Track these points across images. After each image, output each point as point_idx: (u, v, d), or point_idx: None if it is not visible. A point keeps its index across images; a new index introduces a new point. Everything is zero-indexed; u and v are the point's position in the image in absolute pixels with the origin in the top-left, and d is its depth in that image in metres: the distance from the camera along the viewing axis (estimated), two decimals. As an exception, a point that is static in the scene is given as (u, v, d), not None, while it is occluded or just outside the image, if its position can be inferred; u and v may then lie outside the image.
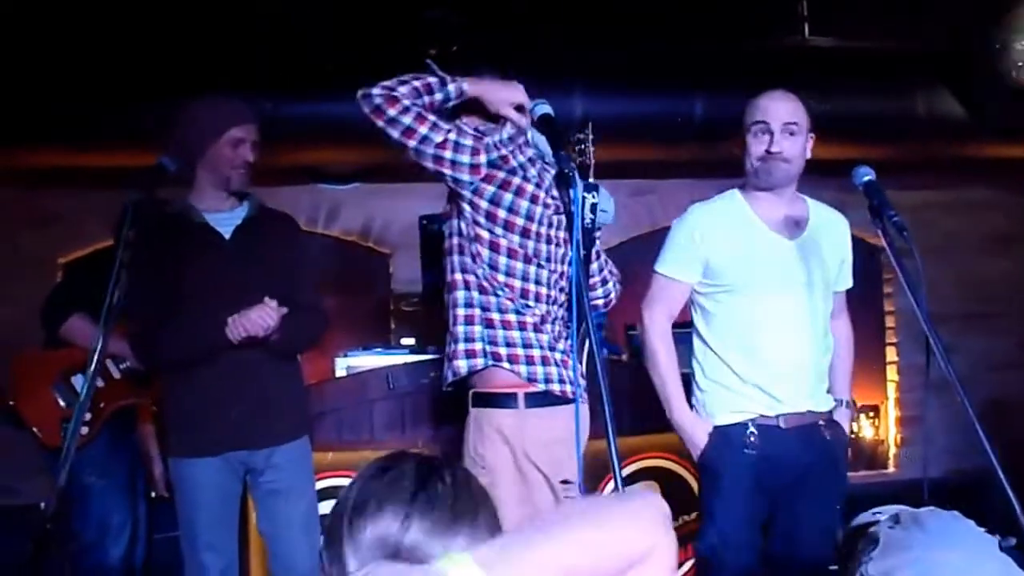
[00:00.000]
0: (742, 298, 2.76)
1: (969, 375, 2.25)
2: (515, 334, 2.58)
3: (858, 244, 5.46)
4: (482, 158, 2.51)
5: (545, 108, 2.21)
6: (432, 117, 2.50)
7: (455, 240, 2.64)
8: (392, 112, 2.46)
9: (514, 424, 2.53)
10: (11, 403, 3.58)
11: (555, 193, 2.56)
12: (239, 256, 2.88)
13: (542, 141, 2.58)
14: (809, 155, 2.78)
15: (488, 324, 2.58)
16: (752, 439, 2.71)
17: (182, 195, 2.96)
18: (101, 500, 3.65)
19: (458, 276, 2.62)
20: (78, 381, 3.59)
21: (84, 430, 3.58)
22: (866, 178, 2.45)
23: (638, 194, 5.56)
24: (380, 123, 2.49)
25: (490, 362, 2.56)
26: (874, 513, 1.53)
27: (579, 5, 4.76)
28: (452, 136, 2.50)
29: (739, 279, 2.76)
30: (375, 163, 4.91)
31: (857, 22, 5.00)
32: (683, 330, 2.88)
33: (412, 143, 2.49)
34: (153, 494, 4.08)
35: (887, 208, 2.35)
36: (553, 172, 2.48)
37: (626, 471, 3.78)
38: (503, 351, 2.57)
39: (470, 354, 2.58)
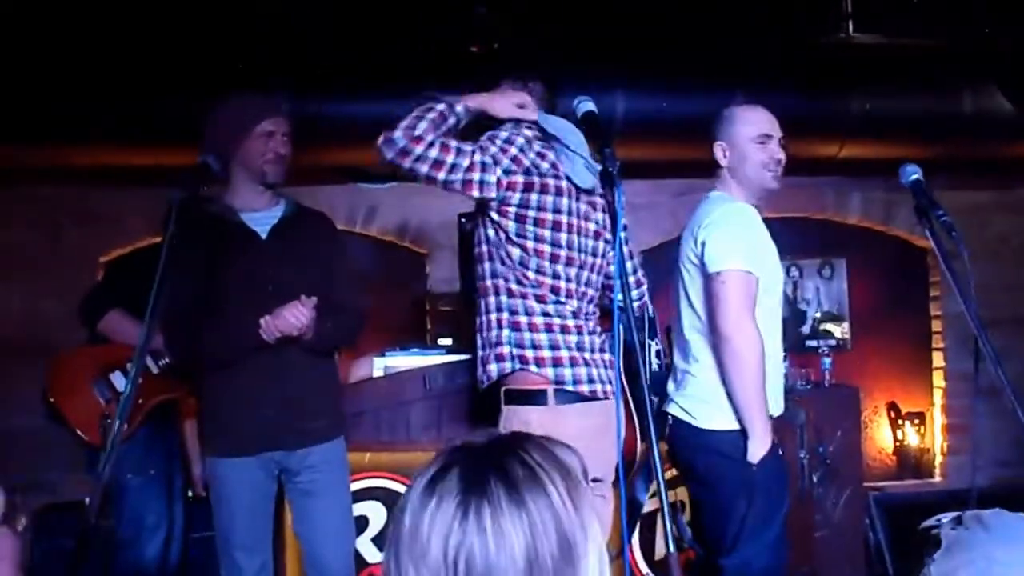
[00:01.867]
0: (767, 300, 2.76)
1: (1020, 381, 2.18)
2: (542, 336, 2.58)
3: (904, 246, 5.43)
4: (499, 171, 2.55)
5: (589, 105, 2.19)
6: (454, 143, 2.55)
7: (484, 248, 2.67)
8: (419, 150, 2.50)
9: (544, 420, 2.51)
10: (51, 400, 3.61)
11: (577, 181, 2.58)
12: (275, 255, 2.89)
13: (565, 129, 2.58)
14: None
15: (515, 327, 2.59)
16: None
17: (220, 194, 2.98)
18: (137, 498, 3.66)
19: (488, 282, 2.65)
20: (117, 378, 3.61)
21: (123, 427, 3.61)
22: (913, 176, 2.40)
23: (681, 194, 5.50)
24: (407, 164, 2.53)
25: (517, 365, 2.58)
26: (937, 519, 1.49)
27: (621, 3, 4.72)
28: (477, 157, 2.55)
29: (769, 281, 2.77)
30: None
31: (902, 19, 4.91)
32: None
33: (441, 175, 2.53)
34: (191, 493, 4.11)
35: (935, 207, 2.30)
36: (571, 157, 2.54)
37: (669, 473, 3.73)
38: (530, 354, 2.57)
39: (499, 358, 2.61)
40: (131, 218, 5.06)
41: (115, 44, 4.44)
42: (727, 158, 2.86)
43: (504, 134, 2.62)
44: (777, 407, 2.78)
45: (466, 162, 2.52)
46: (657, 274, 3.23)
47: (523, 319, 2.59)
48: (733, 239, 2.70)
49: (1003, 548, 1.33)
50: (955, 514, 1.47)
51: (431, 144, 2.50)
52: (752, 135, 2.81)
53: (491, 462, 1.05)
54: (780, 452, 2.72)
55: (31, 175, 4.99)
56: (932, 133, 4.79)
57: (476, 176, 2.53)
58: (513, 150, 2.58)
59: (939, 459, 5.88)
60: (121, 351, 3.55)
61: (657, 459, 1.74)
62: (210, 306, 2.79)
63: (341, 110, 4.48)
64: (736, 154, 2.83)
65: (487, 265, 2.66)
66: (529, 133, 2.65)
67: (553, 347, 2.57)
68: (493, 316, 2.63)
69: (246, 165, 2.91)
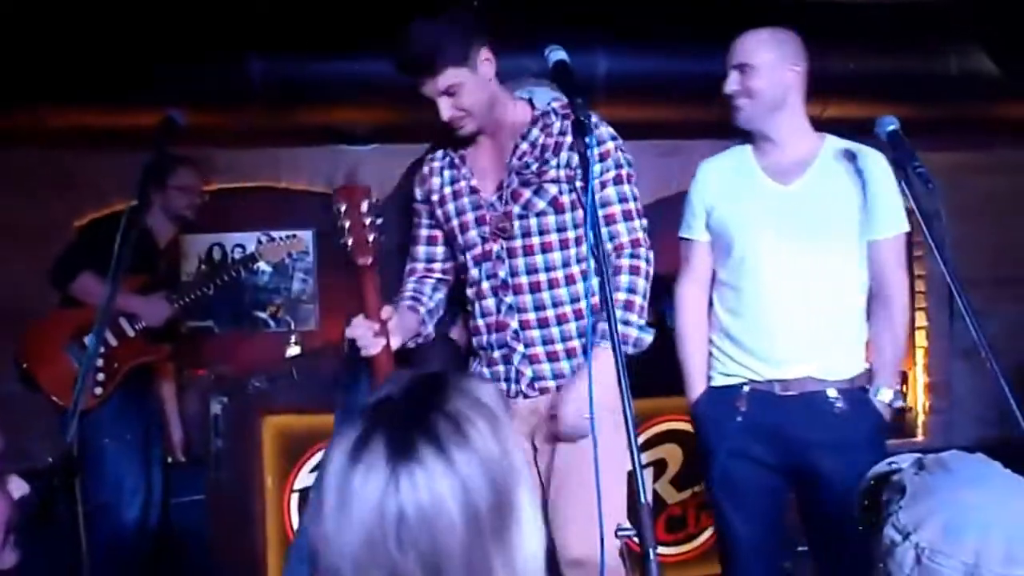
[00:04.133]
0: (736, 250, 2.62)
1: (1001, 341, 2.17)
2: None
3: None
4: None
5: (560, 54, 2.14)
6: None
7: (570, 233, 2.46)
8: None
9: None
10: (24, 366, 3.58)
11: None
12: None
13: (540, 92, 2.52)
14: (792, 84, 2.61)
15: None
16: (742, 405, 2.58)
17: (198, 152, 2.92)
18: (114, 462, 3.65)
19: (575, 268, 2.46)
20: (90, 340, 3.58)
21: (98, 390, 3.59)
22: (891, 128, 2.33)
23: (665, 155, 5.45)
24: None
25: None
26: (889, 463, 1.46)
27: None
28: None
29: (731, 230, 2.63)
30: (395, 123, 4.85)
31: (887, -23, 4.86)
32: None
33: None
34: (169, 459, 4.10)
35: (912, 159, 2.23)
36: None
37: (646, 434, 3.74)
38: None
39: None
40: (106, 181, 4.98)
41: (89, 5, 4.35)
42: None
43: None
44: (800, 368, 2.57)
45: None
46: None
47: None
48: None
49: (972, 491, 1.30)
50: (913, 457, 1.43)
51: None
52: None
53: (414, 421, 1.03)
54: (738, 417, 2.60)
55: (3, 138, 4.90)
56: (916, 94, 4.76)
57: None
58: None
59: (921, 418, 5.90)
60: (94, 314, 3.52)
61: (629, 413, 1.72)
62: None
63: (318, 69, 4.42)
64: None
65: (574, 250, 2.46)
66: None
67: None
68: (583, 303, 2.45)
69: None
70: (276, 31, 4.41)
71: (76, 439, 2.23)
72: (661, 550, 1.63)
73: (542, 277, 2.45)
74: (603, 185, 2.43)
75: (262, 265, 4.42)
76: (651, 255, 2.46)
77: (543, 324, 2.46)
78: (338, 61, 4.44)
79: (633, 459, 1.69)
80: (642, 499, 1.67)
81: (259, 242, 4.50)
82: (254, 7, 4.43)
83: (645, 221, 2.49)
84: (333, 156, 5.40)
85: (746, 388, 2.60)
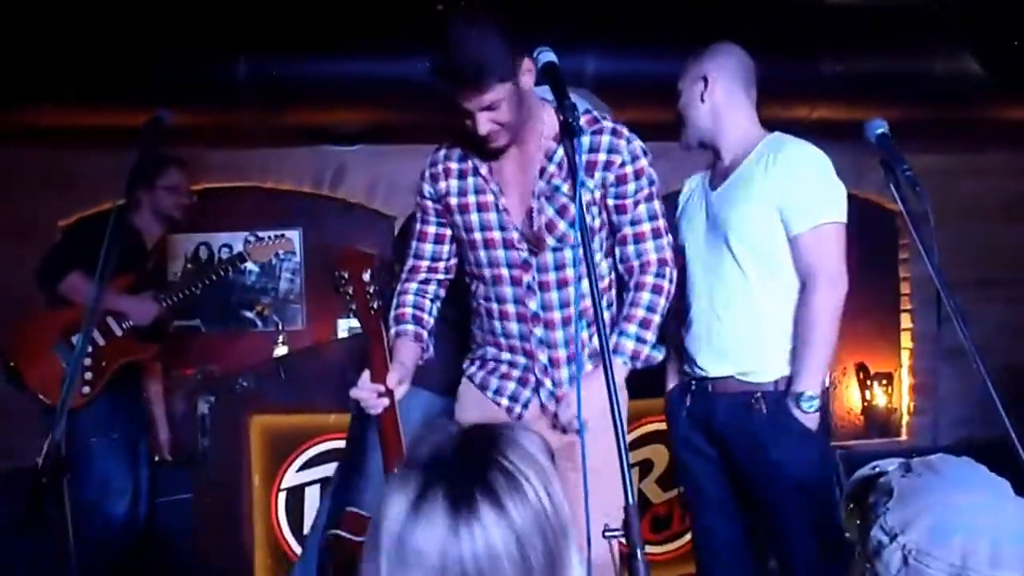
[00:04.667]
0: (682, 259, 2.72)
1: (985, 342, 2.18)
2: None
3: (874, 208, 5.44)
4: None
5: (549, 56, 2.13)
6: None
7: (607, 242, 2.46)
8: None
9: None
10: (11, 364, 3.57)
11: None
12: None
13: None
14: (704, 100, 2.71)
15: None
16: (689, 401, 2.73)
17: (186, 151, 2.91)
18: (102, 460, 3.65)
19: (612, 276, 2.49)
20: (78, 340, 3.57)
21: (86, 389, 3.58)
22: (879, 131, 2.34)
23: (654, 157, 5.47)
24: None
25: None
26: (873, 467, 1.47)
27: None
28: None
29: (680, 238, 2.76)
30: (381, 124, 4.85)
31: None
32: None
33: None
34: (156, 458, 4.09)
35: (900, 162, 2.25)
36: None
37: (633, 435, 3.75)
38: None
39: None
40: (93, 180, 4.96)
41: (78, 5, 4.34)
42: None
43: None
44: (722, 368, 2.65)
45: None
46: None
47: None
48: None
49: (960, 494, 1.32)
50: (899, 461, 1.45)
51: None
52: None
53: (473, 477, 1.06)
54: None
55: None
56: (904, 96, 4.78)
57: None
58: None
59: (906, 419, 5.93)
60: (82, 313, 3.51)
61: (618, 414, 1.73)
62: None
63: (306, 70, 4.41)
64: None
65: (610, 260, 2.46)
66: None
67: None
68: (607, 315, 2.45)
69: None
70: (264, 32, 4.40)
71: (63, 438, 2.22)
72: (647, 549, 1.64)
73: (573, 311, 2.38)
74: (636, 203, 2.37)
75: (250, 265, 4.42)
76: (675, 274, 2.43)
77: (573, 360, 2.40)
78: (325, 62, 4.44)
79: (621, 460, 1.69)
80: (629, 499, 1.67)
81: (247, 241, 4.49)
82: (242, 8, 4.42)
83: (671, 238, 2.46)
84: (320, 156, 5.40)
85: (693, 385, 2.73)
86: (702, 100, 2.71)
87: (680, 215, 2.84)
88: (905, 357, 6.00)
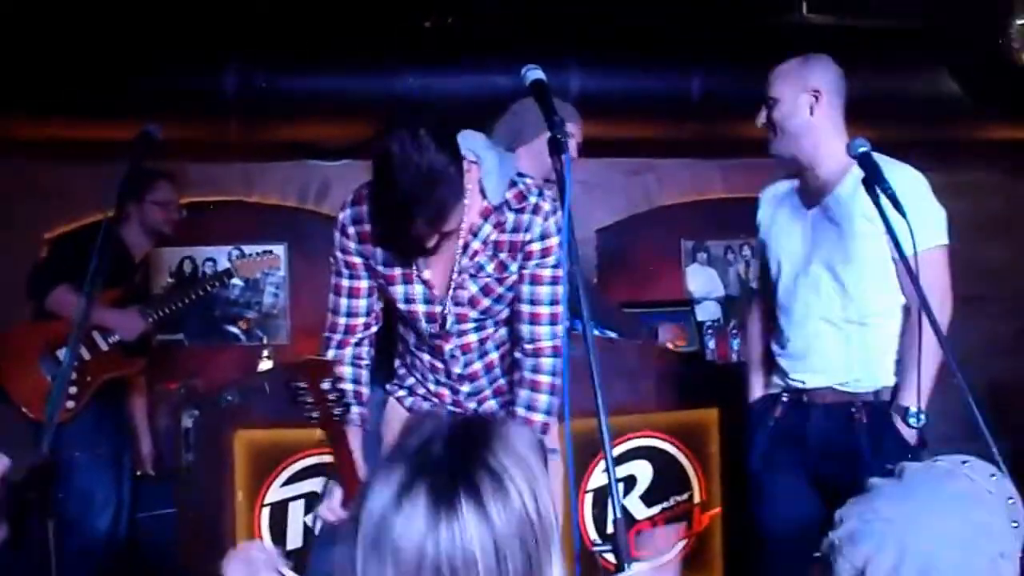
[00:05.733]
0: (774, 272, 2.81)
1: (967, 359, 2.21)
2: None
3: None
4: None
5: (537, 73, 2.15)
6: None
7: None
8: None
9: None
10: (-4, 378, 3.56)
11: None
12: None
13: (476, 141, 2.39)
14: (813, 113, 2.68)
15: None
16: (779, 412, 2.77)
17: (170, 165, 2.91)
18: (86, 475, 3.63)
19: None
20: (64, 354, 3.56)
21: (70, 404, 3.57)
22: (861, 149, 2.39)
23: (635, 173, 5.51)
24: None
25: None
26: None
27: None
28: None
29: (772, 253, 2.83)
30: (367, 138, 4.86)
31: (854, 0, 4.94)
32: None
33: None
34: (139, 472, 4.07)
35: (882, 181, 2.29)
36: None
37: (616, 450, 3.75)
38: None
39: None
40: (77, 193, 4.95)
41: (61, 16, 4.34)
42: None
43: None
44: (822, 379, 2.70)
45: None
46: (612, 252, 3.24)
47: None
48: None
49: (891, 503, 1.36)
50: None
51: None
52: None
53: (457, 474, 1.05)
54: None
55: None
56: (883, 115, 4.83)
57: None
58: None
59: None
60: (69, 327, 3.49)
61: (605, 432, 1.74)
62: None
63: (292, 84, 4.42)
64: None
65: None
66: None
67: None
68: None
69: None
70: (250, 46, 4.41)
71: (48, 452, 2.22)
72: (633, 565, 1.65)
73: (494, 356, 2.48)
74: (537, 280, 2.34)
75: (236, 280, 4.42)
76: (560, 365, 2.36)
77: (498, 393, 2.51)
78: (311, 76, 4.46)
79: (609, 475, 1.70)
80: (616, 514, 1.68)
81: (235, 257, 4.49)
82: (228, 22, 4.44)
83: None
84: (305, 171, 5.40)
85: (784, 397, 2.79)
86: (811, 113, 2.69)
87: (770, 231, 2.86)
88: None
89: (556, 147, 2.01)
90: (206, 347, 5.45)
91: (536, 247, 2.31)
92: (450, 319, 2.37)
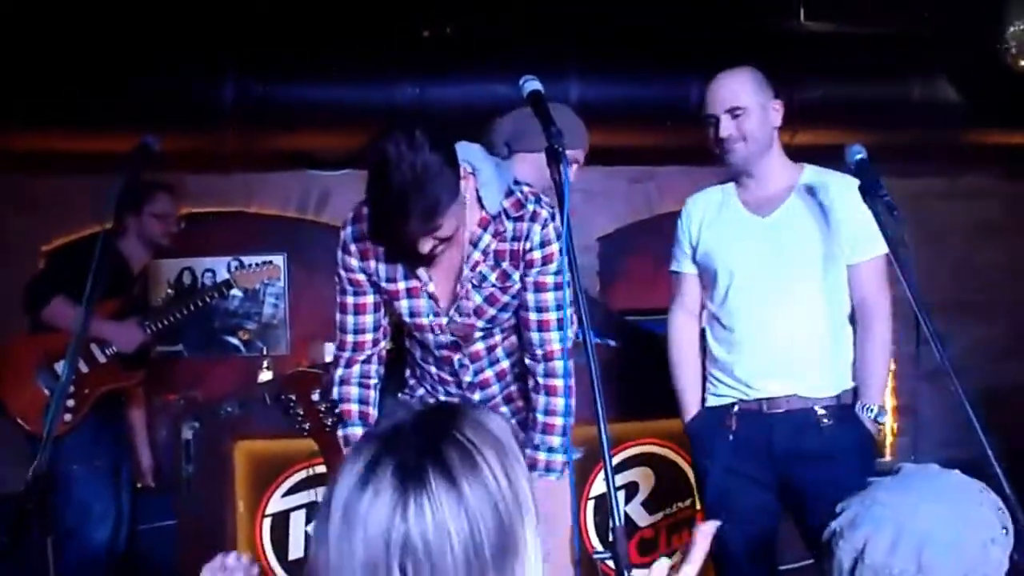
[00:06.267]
0: (720, 281, 2.72)
1: (964, 364, 2.21)
2: None
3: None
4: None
5: (534, 84, 2.15)
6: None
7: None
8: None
9: None
10: (-8, 390, 3.55)
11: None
12: None
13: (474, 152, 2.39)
14: (777, 122, 2.69)
15: None
16: (734, 424, 2.68)
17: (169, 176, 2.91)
18: (84, 487, 3.62)
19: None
20: (61, 367, 3.56)
21: (68, 416, 3.57)
22: (858, 156, 2.39)
23: (635, 181, 5.52)
24: None
25: None
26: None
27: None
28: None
29: (715, 262, 2.73)
30: (364, 147, 4.87)
31: (852, 7, 4.95)
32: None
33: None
34: (139, 484, 4.06)
35: (878, 187, 2.30)
36: None
37: (618, 458, 3.75)
38: None
39: None
40: (75, 206, 4.95)
41: (57, 28, 4.35)
42: None
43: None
44: (783, 386, 2.66)
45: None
46: (614, 260, 3.24)
47: None
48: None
49: (888, 492, 1.46)
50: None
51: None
52: (703, 114, 2.74)
53: (426, 449, 1.03)
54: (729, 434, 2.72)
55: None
56: (882, 121, 4.84)
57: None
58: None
59: (889, 439, 5.97)
60: (66, 340, 3.48)
61: (605, 439, 1.74)
62: None
63: (290, 94, 4.43)
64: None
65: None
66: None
67: None
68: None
69: None
70: (247, 56, 4.42)
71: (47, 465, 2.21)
72: (633, 572, 1.65)
73: (506, 365, 2.49)
74: (541, 287, 2.35)
75: (234, 290, 4.41)
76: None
77: (509, 400, 2.54)
78: (309, 86, 4.47)
79: (608, 483, 1.70)
80: (617, 522, 1.68)
81: (234, 268, 4.49)
82: (226, 32, 4.45)
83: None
84: (304, 181, 5.42)
85: (736, 408, 2.70)
86: (772, 123, 2.69)
87: (712, 239, 2.76)
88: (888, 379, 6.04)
89: (553, 157, 2.01)
90: (206, 358, 5.45)
91: (537, 255, 2.32)
92: (457, 329, 2.38)
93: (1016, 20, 4.60)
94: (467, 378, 2.47)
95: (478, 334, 2.41)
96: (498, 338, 2.45)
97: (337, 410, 2.24)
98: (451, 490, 1.00)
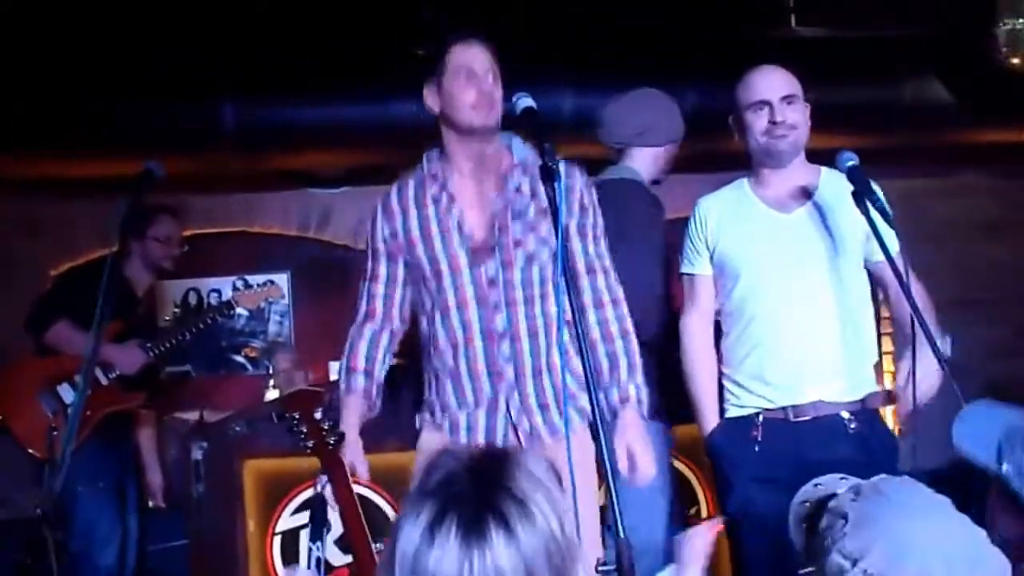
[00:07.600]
0: (741, 281, 2.66)
1: (964, 363, 2.24)
2: None
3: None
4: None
5: (527, 101, 2.18)
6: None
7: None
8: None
9: None
10: (-1, 414, 3.57)
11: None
12: None
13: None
14: (809, 123, 2.68)
15: None
16: (759, 434, 2.62)
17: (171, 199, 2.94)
18: (87, 509, 3.62)
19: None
20: (64, 390, 3.60)
21: (69, 439, 3.58)
22: (850, 163, 2.41)
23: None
24: None
25: None
26: (816, 484, 1.55)
27: (567, 2, 4.73)
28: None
29: (735, 261, 2.67)
30: (365, 165, 4.90)
31: (843, 12, 4.98)
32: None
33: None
34: (151, 504, 4.08)
35: (871, 193, 2.32)
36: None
37: (624, 467, 3.77)
38: None
39: None
40: (81, 230, 4.99)
41: (60, 52, 4.38)
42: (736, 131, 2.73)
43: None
44: (811, 392, 2.60)
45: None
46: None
47: None
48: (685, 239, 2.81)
49: (910, 520, 1.39)
50: (843, 482, 1.53)
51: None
52: (743, 103, 2.70)
53: (484, 504, 1.12)
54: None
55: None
56: (874, 122, 4.86)
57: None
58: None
59: (891, 442, 5.97)
60: (68, 362, 3.53)
61: (605, 453, 1.76)
62: None
63: (289, 114, 4.46)
64: (741, 125, 2.70)
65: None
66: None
67: None
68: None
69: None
70: (246, 77, 4.46)
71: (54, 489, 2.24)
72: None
73: (540, 323, 2.42)
74: (596, 238, 2.48)
75: (239, 310, 4.44)
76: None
77: (537, 373, 2.43)
78: (309, 105, 4.50)
79: (611, 494, 1.71)
80: (621, 533, 1.69)
81: (236, 288, 4.52)
82: (225, 54, 4.48)
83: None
84: (306, 199, 5.45)
85: (760, 417, 2.64)
86: (806, 116, 2.69)
87: (733, 237, 2.70)
88: (888, 380, 6.04)
89: (548, 174, 2.03)
90: (213, 377, 5.47)
91: (588, 201, 2.42)
92: (494, 263, 2.40)
93: (1005, 18, 4.63)
94: (499, 322, 2.40)
95: (516, 273, 2.40)
96: (536, 290, 2.42)
97: (340, 429, 2.27)
98: (510, 541, 1.10)
